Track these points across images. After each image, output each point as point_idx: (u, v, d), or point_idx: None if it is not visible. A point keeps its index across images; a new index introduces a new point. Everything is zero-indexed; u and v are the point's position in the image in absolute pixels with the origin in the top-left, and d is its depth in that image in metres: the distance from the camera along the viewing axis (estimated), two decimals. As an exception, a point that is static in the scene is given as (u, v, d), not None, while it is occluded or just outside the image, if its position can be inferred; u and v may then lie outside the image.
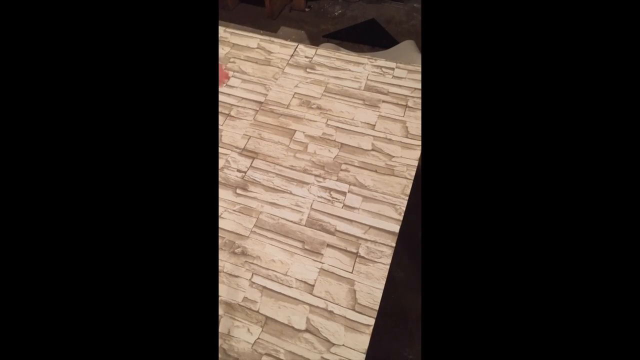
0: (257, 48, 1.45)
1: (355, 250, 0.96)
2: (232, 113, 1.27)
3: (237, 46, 1.46)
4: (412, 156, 1.12)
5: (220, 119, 1.25)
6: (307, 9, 2.86)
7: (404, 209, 1.02)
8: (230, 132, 1.22)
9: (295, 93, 1.30)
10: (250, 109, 1.28)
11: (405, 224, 1.01)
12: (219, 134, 1.22)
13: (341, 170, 1.10)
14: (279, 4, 2.84)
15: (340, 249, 0.96)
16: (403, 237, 0.99)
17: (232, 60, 1.41)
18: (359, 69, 1.35)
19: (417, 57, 1.68)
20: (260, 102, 1.29)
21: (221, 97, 1.31)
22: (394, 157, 1.12)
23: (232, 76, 1.36)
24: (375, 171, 1.10)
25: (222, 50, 1.45)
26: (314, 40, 2.52)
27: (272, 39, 1.48)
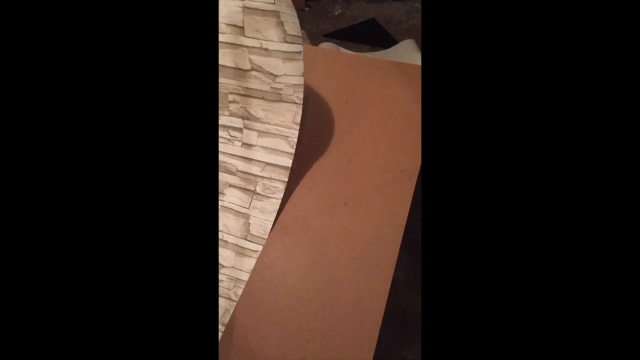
0: None
1: (253, 189, 0.94)
2: None
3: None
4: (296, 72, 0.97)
5: None
6: (306, 9, 2.85)
7: (296, 140, 0.94)
8: None
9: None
10: None
11: (405, 224, 1.00)
12: None
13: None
14: (279, 4, 2.83)
15: (240, 188, 0.94)
16: (403, 238, 0.99)
17: None
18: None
19: (417, 56, 1.68)
20: None
21: None
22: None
23: None
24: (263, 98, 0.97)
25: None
26: (314, 40, 2.52)
27: None
